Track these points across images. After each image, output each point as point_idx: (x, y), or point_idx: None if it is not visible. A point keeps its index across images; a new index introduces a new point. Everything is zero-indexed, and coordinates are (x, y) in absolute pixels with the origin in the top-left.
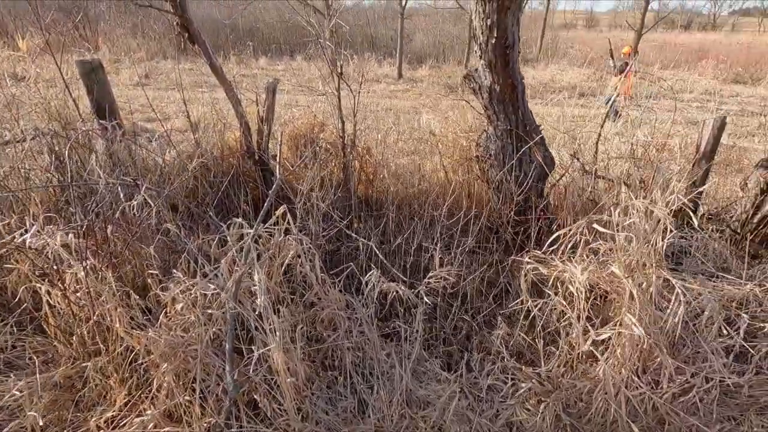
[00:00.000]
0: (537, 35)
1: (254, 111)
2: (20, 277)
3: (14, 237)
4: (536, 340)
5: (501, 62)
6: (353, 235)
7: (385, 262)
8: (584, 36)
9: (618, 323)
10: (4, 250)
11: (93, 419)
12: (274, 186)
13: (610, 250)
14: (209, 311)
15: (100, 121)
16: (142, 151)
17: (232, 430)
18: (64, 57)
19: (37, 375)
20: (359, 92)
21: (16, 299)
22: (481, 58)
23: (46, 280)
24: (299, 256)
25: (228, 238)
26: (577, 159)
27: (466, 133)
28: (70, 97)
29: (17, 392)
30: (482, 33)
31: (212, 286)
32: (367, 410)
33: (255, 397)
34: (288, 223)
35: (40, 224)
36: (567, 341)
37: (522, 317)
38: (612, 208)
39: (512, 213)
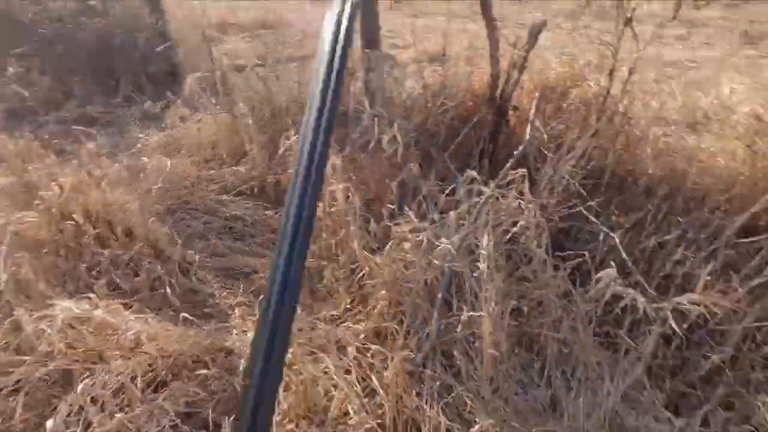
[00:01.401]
0: None
1: (506, 53)
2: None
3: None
4: None
5: None
6: (594, 219)
7: (627, 260)
8: None
9: None
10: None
11: (323, 312)
12: (521, 147)
13: None
14: (431, 258)
15: (366, 50)
16: (391, 83)
17: (426, 371)
18: None
19: None
20: (647, 44)
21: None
22: None
23: None
24: (527, 227)
25: (460, 190)
26: None
27: None
28: None
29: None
30: None
31: (444, 240)
32: (558, 409)
33: (454, 351)
34: (523, 188)
35: None
36: None
37: None
38: None
39: None
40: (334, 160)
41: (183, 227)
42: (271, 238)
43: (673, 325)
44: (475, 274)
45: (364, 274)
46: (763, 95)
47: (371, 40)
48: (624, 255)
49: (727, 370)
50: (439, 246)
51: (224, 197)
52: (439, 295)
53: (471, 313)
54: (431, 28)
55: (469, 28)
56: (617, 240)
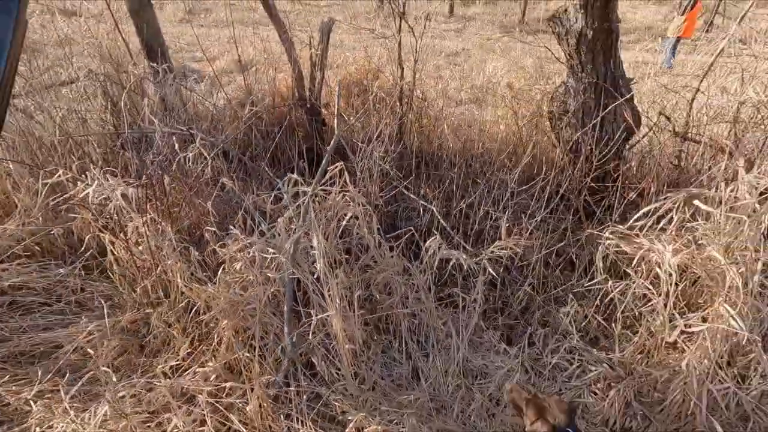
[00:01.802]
0: None
1: (306, 54)
2: (84, 224)
3: (77, 191)
4: (612, 324)
5: (601, 1)
6: (413, 197)
7: (446, 227)
8: None
9: (709, 312)
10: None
11: (159, 366)
12: (332, 142)
13: (713, 232)
14: (267, 272)
15: (151, 63)
16: (192, 96)
17: (291, 388)
18: None
19: (106, 319)
20: (422, 35)
21: (83, 246)
22: None
23: (108, 229)
24: (356, 218)
25: (284, 195)
26: (667, 118)
27: (532, 84)
28: (121, 37)
29: (89, 334)
30: None
31: (272, 250)
32: (421, 377)
33: (313, 359)
34: (345, 181)
35: (99, 175)
36: (646, 327)
37: (596, 297)
38: (722, 184)
39: (588, 179)
40: (127, 190)
41: None
42: (77, 299)
43: (491, 271)
44: (315, 276)
45: (199, 309)
46: (514, 70)
47: (154, 52)
48: (443, 222)
49: (537, 296)
50: (271, 257)
51: None
52: (285, 307)
53: (320, 315)
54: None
55: (263, 34)
56: (435, 211)
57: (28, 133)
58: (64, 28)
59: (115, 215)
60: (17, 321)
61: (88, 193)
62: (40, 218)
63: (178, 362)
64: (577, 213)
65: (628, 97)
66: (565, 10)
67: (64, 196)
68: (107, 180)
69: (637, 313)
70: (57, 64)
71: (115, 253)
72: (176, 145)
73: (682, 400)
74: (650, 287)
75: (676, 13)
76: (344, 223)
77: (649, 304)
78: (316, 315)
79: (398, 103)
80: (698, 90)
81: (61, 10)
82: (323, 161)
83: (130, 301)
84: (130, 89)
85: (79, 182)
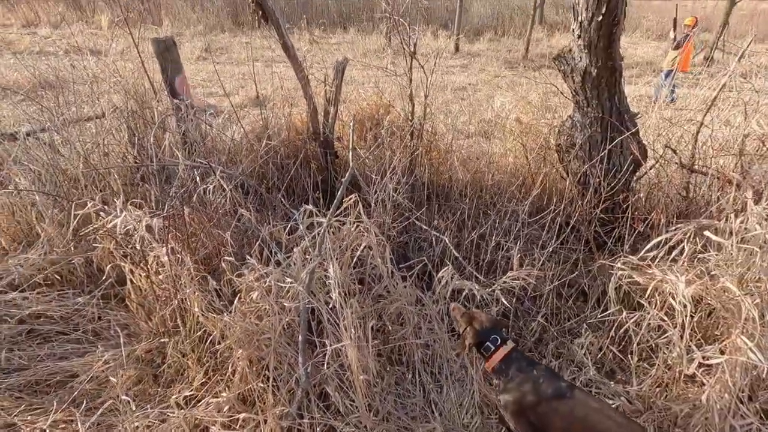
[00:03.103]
0: None
1: (320, 90)
2: (105, 254)
3: (106, 221)
4: (628, 355)
5: (604, 42)
6: (425, 227)
7: (458, 257)
8: (660, 5)
9: (726, 344)
10: (94, 232)
11: (173, 396)
12: (347, 174)
13: (725, 263)
14: (283, 301)
15: (174, 100)
16: (211, 131)
17: (304, 420)
18: (134, 32)
19: (122, 348)
20: (432, 72)
21: (104, 276)
22: (579, 37)
23: (129, 259)
24: (370, 248)
25: (300, 226)
26: (674, 151)
27: (541, 119)
28: (147, 76)
29: (105, 364)
30: (586, 9)
31: (288, 279)
32: (435, 410)
33: (327, 389)
34: (359, 212)
35: (122, 206)
36: (663, 359)
37: (610, 328)
38: (732, 215)
39: (598, 210)
40: (151, 221)
41: None
42: (93, 328)
43: (504, 301)
44: (330, 306)
45: (214, 339)
46: (521, 104)
47: (176, 89)
48: (455, 252)
49: (550, 327)
50: (287, 287)
51: (13, 295)
52: (300, 337)
53: (334, 345)
54: (248, 74)
55: (277, 71)
56: (447, 241)
57: (53, 165)
58: (93, 67)
59: (137, 245)
60: (34, 349)
61: (116, 223)
62: (67, 247)
63: (192, 392)
64: (587, 244)
65: (633, 130)
66: (570, 50)
67: (94, 226)
68: (131, 211)
69: (653, 345)
70: (83, 100)
71: (135, 281)
72: (197, 178)
73: None
74: (665, 318)
75: (670, 47)
76: (358, 253)
77: (665, 335)
78: (331, 345)
79: (409, 137)
80: (702, 123)
81: (91, 50)
82: (338, 193)
83: (146, 330)
84: (153, 124)
85: (102, 213)
